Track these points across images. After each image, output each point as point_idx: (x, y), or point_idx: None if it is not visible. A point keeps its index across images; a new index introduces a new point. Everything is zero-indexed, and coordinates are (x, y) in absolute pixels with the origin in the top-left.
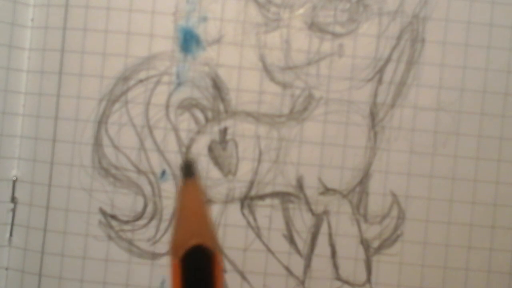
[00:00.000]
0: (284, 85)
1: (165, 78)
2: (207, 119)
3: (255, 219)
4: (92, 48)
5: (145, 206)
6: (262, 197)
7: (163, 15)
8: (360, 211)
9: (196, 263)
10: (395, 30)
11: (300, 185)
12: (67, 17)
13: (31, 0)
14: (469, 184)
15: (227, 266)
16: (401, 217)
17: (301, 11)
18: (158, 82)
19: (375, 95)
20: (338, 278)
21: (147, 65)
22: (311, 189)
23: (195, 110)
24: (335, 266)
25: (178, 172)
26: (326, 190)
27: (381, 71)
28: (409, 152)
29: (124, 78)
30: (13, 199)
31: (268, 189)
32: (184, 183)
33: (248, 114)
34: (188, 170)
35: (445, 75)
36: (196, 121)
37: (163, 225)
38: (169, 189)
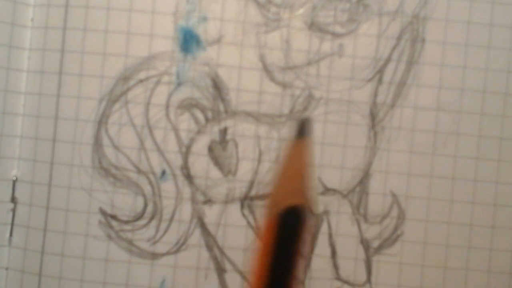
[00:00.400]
0: (284, 85)
1: (165, 78)
2: (207, 119)
3: (255, 219)
4: (92, 48)
5: (145, 206)
6: (262, 197)
7: (163, 15)
8: (360, 211)
9: (289, 222)
10: (395, 30)
11: None
12: (67, 17)
13: (31, 0)
14: (469, 184)
15: (227, 266)
16: (401, 217)
17: (301, 11)
18: (158, 82)
19: (375, 95)
20: (338, 278)
21: (147, 65)
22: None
23: (195, 110)
24: (335, 266)
25: (179, 172)
26: (326, 190)
27: (381, 71)
28: (409, 152)
29: (124, 78)
30: (13, 199)
31: (268, 189)
32: (294, 142)
33: (248, 114)
34: (302, 129)
35: (445, 75)
36: (196, 121)
37: (163, 225)
38: (169, 189)
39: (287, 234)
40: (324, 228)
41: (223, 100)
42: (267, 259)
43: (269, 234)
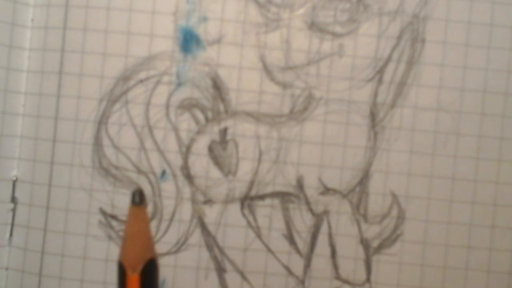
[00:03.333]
0: (284, 85)
1: (165, 78)
2: (207, 119)
3: (255, 219)
4: (92, 48)
5: None
6: (262, 197)
7: (163, 15)
8: (360, 211)
9: (149, 272)
10: (395, 30)
11: (300, 185)
12: (67, 17)
13: (31, 0)
14: (469, 184)
15: (227, 266)
16: (401, 217)
17: (301, 11)
18: (158, 82)
19: (375, 95)
20: (338, 277)
21: (147, 65)
22: (311, 189)
23: (195, 110)
24: (335, 266)
25: (179, 172)
26: (326, 190)
27: (381, 71)
28: (409, 152)
29: (124, 78)
30: (13, 199)
31: (268, 189)
32: (133, 208)
33: (248, 114)
34: (136, 197)
35: (445, 75)
36: (196, 121)
37: (163, 225)
38: (169, 189)
39: (150, 281)
40: (324, 228)
41: (223, 100)
42: None
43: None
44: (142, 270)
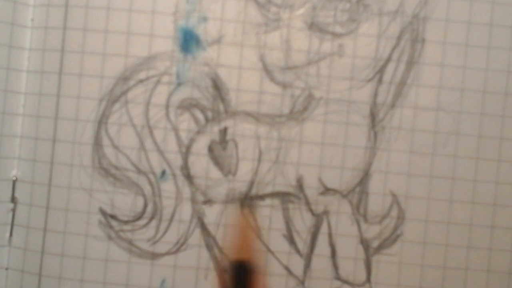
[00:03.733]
0: (284, 85)
1: (165, 78)
2: (207, 119)
3: (255, 219)
4: (92, 48)
5: (145, 206)
6: (262, 197)
7: (163, 15)
8: (360, 211)
9: (239, 273)
10: (395, 30)
11: (300, 185)
12: (67, 17)
13: (31, 0)
14: (469, 184)
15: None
16: (401, 217)
17: (301, 11)
18: (158, 82)
19: (375, 95)
20: (338, 278)
21: (147, 65)
22: (311, 189)
23: (195, 110)
24: (335, 266)
25: (179, 172)
26: (326, 190)
27: (381, 71)
28: (409, 152)
29: (124, 78)
30: (13, 199)
31: (268, 189)
32: (238, 213)
33: (248, 114)
34: (244, 204)
35: (445, 75)
36: (196, 121)
37: (163, 225)
38: (169, 189)
39: (238, 283)
40: (324, 228)
41: (223, 100)
42: None
43: (223, 281)
44: (233, 269)
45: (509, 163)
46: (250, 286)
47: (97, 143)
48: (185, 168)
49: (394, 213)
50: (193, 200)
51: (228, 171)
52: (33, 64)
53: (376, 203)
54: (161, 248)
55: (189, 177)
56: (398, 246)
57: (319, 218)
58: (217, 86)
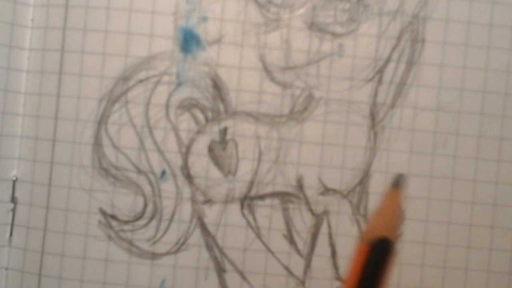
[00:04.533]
0: (284, 85)
1: (165, 78)
2: (207, 119)
3: (255, 219)
4: (92, 48)
5: (145, 206)
6: (262, 197)
7: (163, 15)
8: (360, 211)
9: (379, 250)
10: (395, 30)
11: (300, 185)
12: (67, 17)
13: (31, 0)
14: (469, 184)
15: (227, 266)
16: (401, 217)
17: (301, 11)
18: (158, 82)
19: (375, 95)
20: (338, 278)
21: (147, 65)
22: (311, 189)
23: (195, 110)
24: (335, 266)
25: (179, 172)
26: (326, 190)
27: (381, 71)
28: (409, 152)
29: (124, 78)
30: (13, 199)
31: (268, 189)
32: (391, 190)
33: (248, 114)
34: (398, 181)
35: (445, 75)
36: (196, 121)
37: (163, 225)
38: (169, 189)
39: (376, 260)
40: (324, 228)
41: (223, 100)
42: (355, 280)
43: (360, 258)
44: (373, 244)
45: (509, 163)
46: (385, 266)
47: (97, 143)
48: (185, 168)
49: None
50: (193, 200)
51: (228, 171)
52: (33, 64)
53: (376, 203)
54: (161, 248)
55: (189, 177)
56: (398, 246)
57: (319, 218)
58: (217, 86)
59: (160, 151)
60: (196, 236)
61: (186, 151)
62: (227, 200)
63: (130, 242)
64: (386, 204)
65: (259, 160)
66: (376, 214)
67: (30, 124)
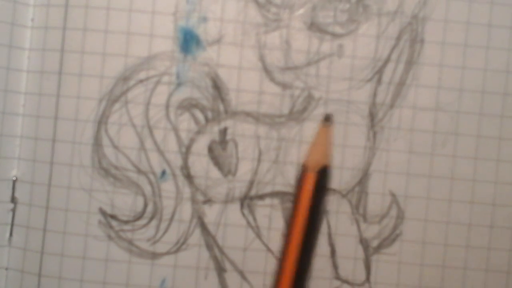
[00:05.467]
0: (284, 85)
1: (165, 78)
2: (207, 119)
3: (255, 219)
4: (92, 48)
5: (145, 206)
6: (262, 197)
7: (163, 15)
8: (359, 211)
9: (323, 177)
10: (394, 30)
11: None
12: (67, 17)
13: (31, 0)
14: (468, 184)
15: (227, 265)
16: (400, 216)
17: (301, 11)
18: (158, 82)
19: (374, 95)
20: (338, 277)
21: (147, 65)
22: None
23: (195, 110)
24: (335, 266)
25: (179, 172)
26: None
27: (380, 71)
28: (408, 152)
29: (124, 78)
30: (13, 199)
31: (268, 189)
32: (323, 125)
33: (248, 114)
34: (328, 118)
35: (444, 76)
36: (196, 121)
37: (163, 225)
38: (169, 189)
39: (322, 186)
40: (323, 228)
41: (223, 100)
42: (308, 206)
43: (310, 186)
44: (318, 172)
45: (508, 163)
46: (328, 189)
47: (97, 143)
48: (185, 168)
49: (394, 212)
50: (193, 200)
51: (228, 171)
52: (33, 64)
53: (375, 203)
54: (161, 248)
55: (189, 177)
56: (397, 245)
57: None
58: (217, 86)
59: (160, 151)
60: (196, 236)
61: (186, 151)
62: (227, 200)
63: (130, 242)
64: (321, 137)
65: (259, 160)
66: (313, 145)
67: (30, 124)
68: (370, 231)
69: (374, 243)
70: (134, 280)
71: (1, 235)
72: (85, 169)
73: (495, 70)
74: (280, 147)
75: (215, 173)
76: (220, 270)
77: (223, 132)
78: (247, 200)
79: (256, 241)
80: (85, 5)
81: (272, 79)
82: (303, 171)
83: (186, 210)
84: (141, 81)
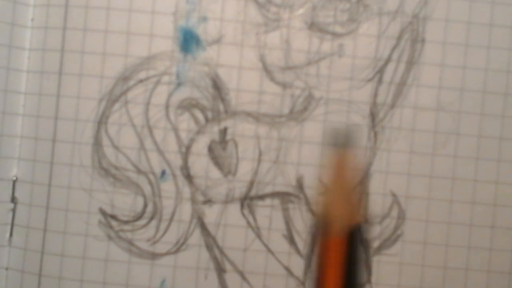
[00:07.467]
0: (284, 85)
1: (165, 78)
2: (207, 119)
3: (255, 219)
4: (92, 48)
5: (145, 206)
6: (262, 197)
7: (163, 15)
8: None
9: (355, 240)
10: (395, 30)
11: (300, 185)
12: (67, 17)
13: (31, 0)
14: (469, 184)
15: (227, 266)
16: (401, 217)
17: (301, 11)
18: (158, 82)
19: (375, 95)
20: None
21: (147, 65)
22: (311, 189)
23: (195, 110)
24: None
25: (179, 172)
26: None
27: (381, 71)
28: (409, 152)
29: (124, 78)
30: (13, 199)
31: (268, 189)
32: (335, 154)
33: (248, 114)
34: (341, 139)
35: (445, 75)
36: (196, 121)
37: (163, 225)
38: (169, 189)
39: (355, 249)
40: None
41: (223, 100)
42: (339, 275)
43: (337, 252)
44: (350, 236)
45: (509, 163)
46: (361, 251)
47: (97, 143)
48: (185, 168)
49: (395, 213)
50: (193, 200)
51: (228, 171)
52: (33, 64)
53: (376, 203)
54: (161, 248)
55: (189, 177)
56: (398, 246)
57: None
58: (217, 86)
59: (160, 151)
60: (196, 236)
61: (186, 151)
62: (227, 200)
63: (130, 242)
64: (341, 176)
65: (259, 160)
66: (331, 194)
67: (30, 124)
68: (371, 232)
69: (375, 244)
70: (134, 280)
71: (1, 235)
72: (85, 169)
73: (496, 70)
74: (281, 147)
75: (215, 173)
76: (220, 271)
77: (223, 132)
78: (247, 201)
79: (256, 242)
80: (85, 5)
81: (272, 79)
82: (324, 231)
83: (186, 210)
84: (141, 81)
